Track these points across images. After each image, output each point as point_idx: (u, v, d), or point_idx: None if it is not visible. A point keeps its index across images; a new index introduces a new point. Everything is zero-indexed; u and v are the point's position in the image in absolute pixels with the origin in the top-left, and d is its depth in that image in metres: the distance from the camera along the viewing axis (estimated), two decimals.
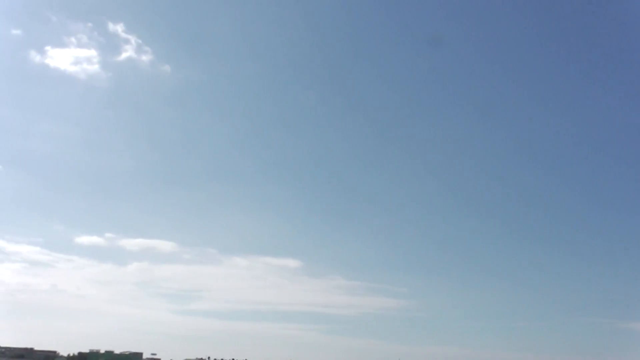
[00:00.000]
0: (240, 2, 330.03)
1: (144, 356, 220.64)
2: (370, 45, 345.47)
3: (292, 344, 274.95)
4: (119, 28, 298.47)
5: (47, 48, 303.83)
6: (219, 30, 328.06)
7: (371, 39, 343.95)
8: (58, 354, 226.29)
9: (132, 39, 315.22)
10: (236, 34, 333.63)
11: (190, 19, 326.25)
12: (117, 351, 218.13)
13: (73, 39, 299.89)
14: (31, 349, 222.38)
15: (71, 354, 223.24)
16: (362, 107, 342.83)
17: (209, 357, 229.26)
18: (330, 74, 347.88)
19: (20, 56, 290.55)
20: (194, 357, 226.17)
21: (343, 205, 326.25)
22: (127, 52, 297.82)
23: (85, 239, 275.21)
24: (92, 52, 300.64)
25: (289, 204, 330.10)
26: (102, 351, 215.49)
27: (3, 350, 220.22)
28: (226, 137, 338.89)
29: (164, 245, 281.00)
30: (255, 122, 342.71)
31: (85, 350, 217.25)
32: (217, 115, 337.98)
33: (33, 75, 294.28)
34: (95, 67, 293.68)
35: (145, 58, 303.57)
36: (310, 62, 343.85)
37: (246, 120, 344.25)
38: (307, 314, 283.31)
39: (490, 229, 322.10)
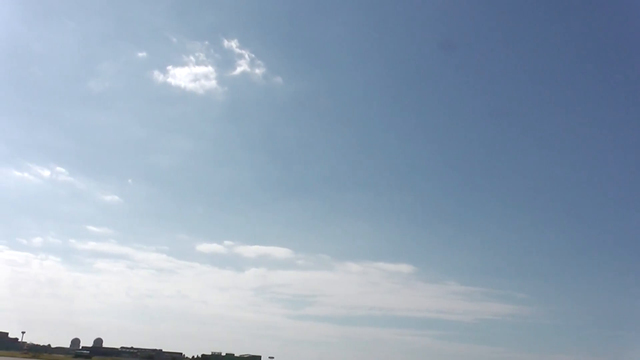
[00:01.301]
0: (346, 11, 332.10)
1: (262, 359, 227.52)
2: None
3: (406, 350, 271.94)
4: (233, 44, 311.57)
5: (169, 67, 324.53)
6: (326, 39, 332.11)
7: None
8: (183, 355, 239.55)
9: (246, 53, 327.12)
10: (343, 42, 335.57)
11: (299, 30, 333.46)
12: (237, 354, 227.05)
13: (192, 57, 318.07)
14: (160, 350, 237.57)
15: (195, 356, 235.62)
16: (471, 109, 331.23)
17: None
18: (440, 78, 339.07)
19: (146, 76, 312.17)
20: None
21: (457, 209, 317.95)
22: (242, 67, 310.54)
23: (205, 247, 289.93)
24: (209, 69, 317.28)
25: (401, 209, 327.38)
26: (224, 354, 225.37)
27: (135, 350, 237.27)
28: (338, 145, 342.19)
29: (279, 252, 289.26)
30: (365, 129, 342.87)
31: (208, 352, 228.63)
32: (328, 124, 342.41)
33: (157, 94, 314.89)
34: (212, 83, 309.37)
35: (259, 71, 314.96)
36: (420, 66, 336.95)
37: (357, 127, 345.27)
38: (421, 319, 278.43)
39: (614, 234, 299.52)
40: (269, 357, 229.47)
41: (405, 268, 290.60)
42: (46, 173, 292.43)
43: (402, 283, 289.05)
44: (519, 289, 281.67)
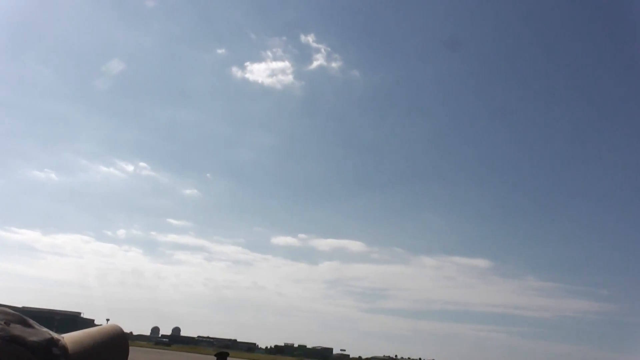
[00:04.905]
0: (421, 2, 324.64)
1: (334, 352, 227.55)
2: None
3: (482, 346, 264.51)
4: (310, 39, 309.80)
5: (247, 64, 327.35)
6: (402, 31, 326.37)
7: None
8: (257, 345, 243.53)
9: (322, 47, 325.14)
10: (419, 33, 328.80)
11: (375, 24, 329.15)
12: (309, 345, 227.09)
13: (269, 53, 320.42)
14: (235, 340, 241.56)
15: (269, 346, 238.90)
16: (564, 105, 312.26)
17: (396, 355, 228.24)
18: (525, 71, 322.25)
19: (225, 73, 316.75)
20: (382, 355, 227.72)
21: (535, 202, 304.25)
22: (318, 61, 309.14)
23: (280, 240, 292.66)
24: (287, 64, 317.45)
25: (477, 203, 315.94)
26: (296, 345, 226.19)
27: (211, 340, 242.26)
28: (413, 138, 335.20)
29: (354, 245, 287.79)
30: (442, 122, 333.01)
31: (281, 343, 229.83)
32: (404, 117, 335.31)
33: (235, 90, 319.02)
34: (289, 78, 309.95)
35: (335, 65, 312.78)
36: (503, 57, 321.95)
37: (433, 120, 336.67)
38: (498, 315, 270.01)
39: None
40: (341, 350, 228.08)
41: (481, 262, 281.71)
42: (130, 168, 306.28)
43: (479, 278, 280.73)
44: (601, 285, 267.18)
